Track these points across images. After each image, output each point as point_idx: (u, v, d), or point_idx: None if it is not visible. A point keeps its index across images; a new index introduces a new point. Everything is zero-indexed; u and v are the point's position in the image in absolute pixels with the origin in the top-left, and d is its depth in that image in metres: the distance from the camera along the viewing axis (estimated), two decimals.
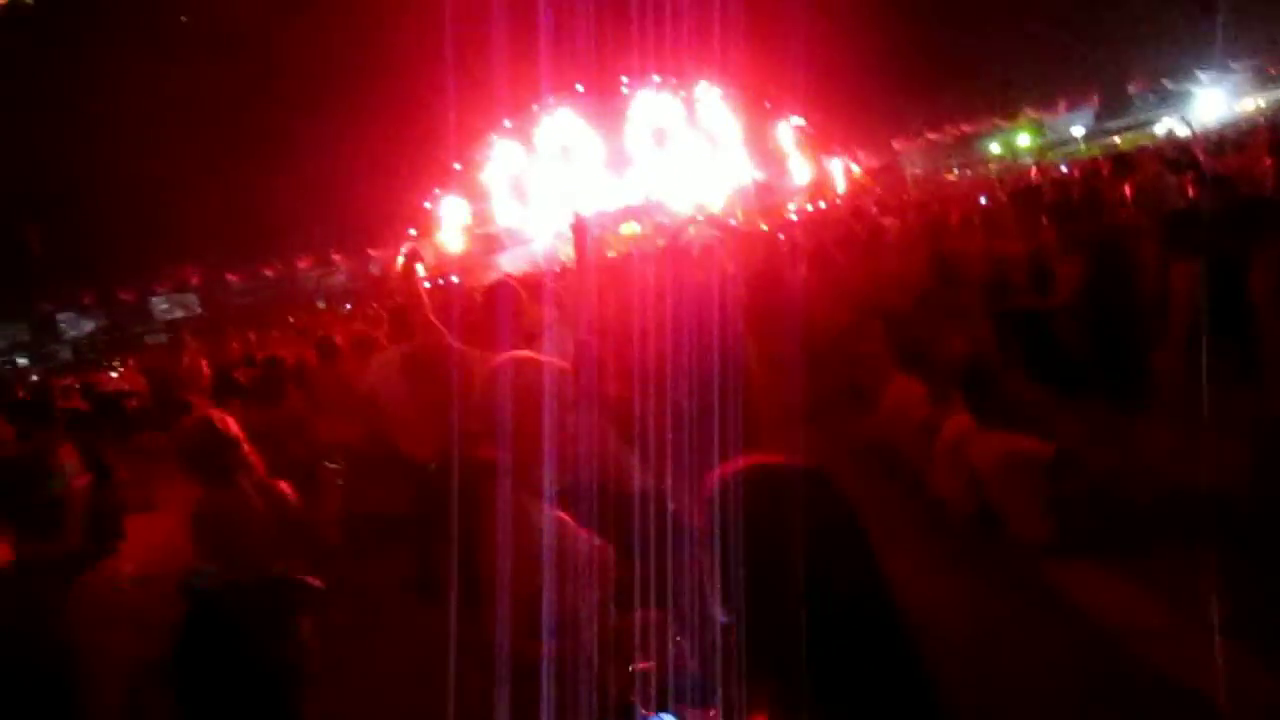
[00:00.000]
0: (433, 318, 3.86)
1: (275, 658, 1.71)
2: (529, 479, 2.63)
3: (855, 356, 6.38)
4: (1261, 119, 26.35)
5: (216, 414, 3.49)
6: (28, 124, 42.04)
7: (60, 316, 50.68)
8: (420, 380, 5.17)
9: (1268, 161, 5.53)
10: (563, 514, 2.73)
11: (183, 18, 48.78)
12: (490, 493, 2.61)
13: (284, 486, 3.53)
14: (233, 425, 3.37)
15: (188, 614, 1.81)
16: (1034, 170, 20.58)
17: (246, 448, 3.30)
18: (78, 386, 12.67)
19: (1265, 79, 43.08)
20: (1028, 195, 8.37)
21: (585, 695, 2.22)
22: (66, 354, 45.52)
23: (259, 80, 45.55)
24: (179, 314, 50.13)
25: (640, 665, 2.24)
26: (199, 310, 50.16)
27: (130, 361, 19.86)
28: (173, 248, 45.55)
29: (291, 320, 31.57)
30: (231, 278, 52.80)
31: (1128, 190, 5.11)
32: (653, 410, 4.70)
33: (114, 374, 16.55)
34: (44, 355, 46.26)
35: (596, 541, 2.68)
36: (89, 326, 50.37)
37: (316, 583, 1.87)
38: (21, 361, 46.09)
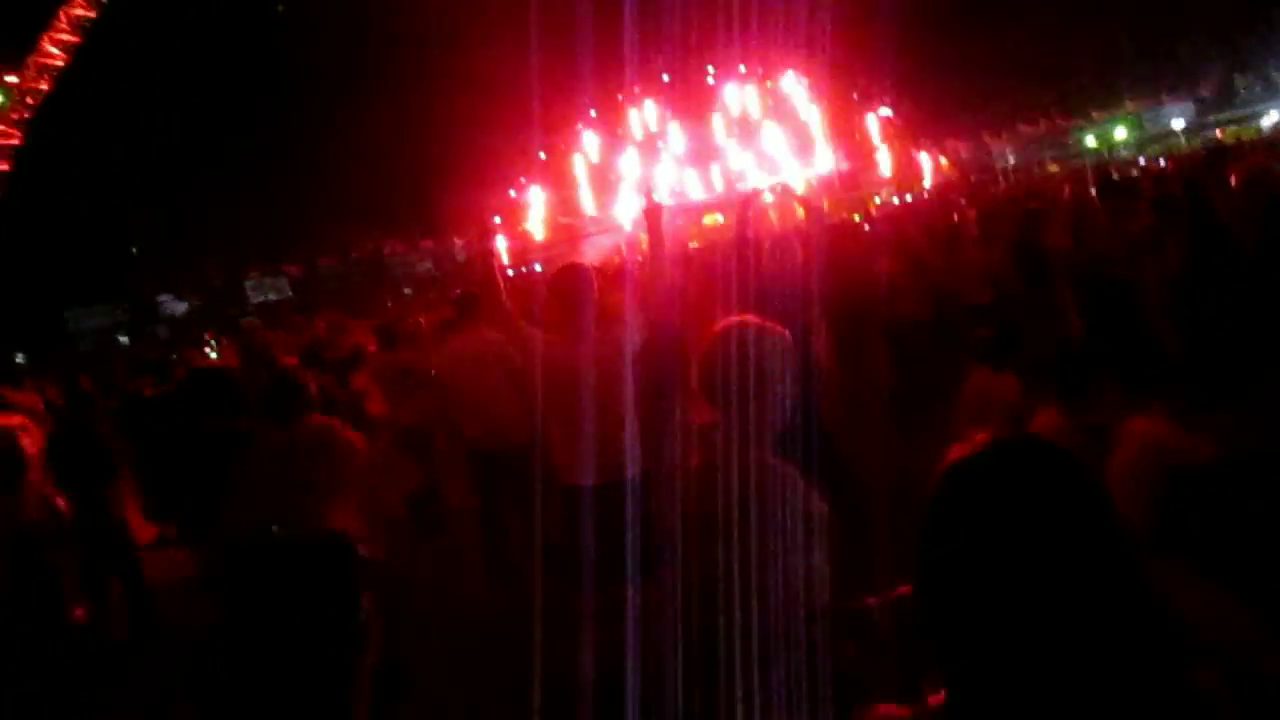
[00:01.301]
0: (506, 304, 3.87)
1: (330, 631, 1.68)
2: (758, 436, 2.60)
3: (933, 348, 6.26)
4: None
5: (16, 426, 3.75)
6: (127, 118, 43.52)
7: (159, 298, 52.38)
8: (488, 365, 5.22)
9: None
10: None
11: (280, 6, 49.89)
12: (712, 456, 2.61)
13: (60, 502, 3.86)
14: (29, 443, 3.63)
15: (229, 574, 1.79)
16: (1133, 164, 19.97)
17: (36, 466, 3.60)
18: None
19: None
20: (1120, 187, 8.08)
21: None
22: (164, 332, 46.99)
23: (355, 71, 46.40)
24: (271, 296, 51.45)
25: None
26: (290, 294, 51.37)
27: (223, 340, 20.42)
28: (266, 234, 46.71)
29: (390, 303, 32.20)
30: (324, 262, 53.96)
31: (1233, 180, 4.88)
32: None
33: (210, 352, 17.04)
34: (144, 334, 47.82)
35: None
36: (184, 308, 51.95)
37: (375, 553, 1.85)
38: (122, 339, 47.75)
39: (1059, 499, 1.07)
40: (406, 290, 45.49)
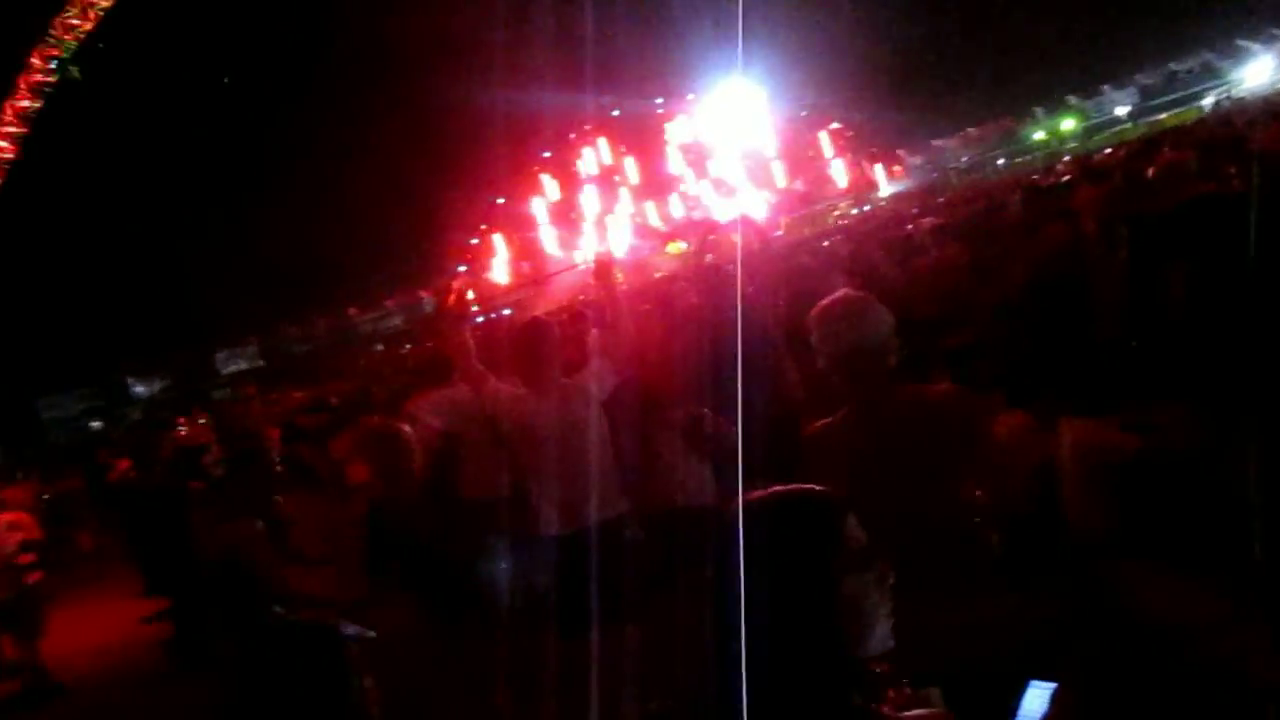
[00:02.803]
0: (475, 363, 3.94)
1: (324, 713, 1.74)
2: None
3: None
4: None
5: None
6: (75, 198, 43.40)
7: (129, 379, 51.98)
8: (460, 423, 5.26)
9: None
10: None
11: (226, 80, 49.97)
12: None
13: None
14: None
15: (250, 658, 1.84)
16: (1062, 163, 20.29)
17: None
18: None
19: None
20: (1044, 191, 8.22)
21: None
22: (136, 414, 46.58)
23: (302, 133, 46.48)
24: (242, 365, 51.16)
25: None
26: (260, 362, 51.13)
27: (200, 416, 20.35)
28: (230, 305, 46.51)
29: (362, 362, 32.12)
30: (289, 329, 53.78)
31: (1150, 173, 5.01)
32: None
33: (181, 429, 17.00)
34: (115, 417, 47.40)
35: None
36: (155, 387, 51.58)
37: (367, 632, 1.90)
38: (95, 424, 47.29)
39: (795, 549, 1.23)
40: (378, 346, 45.37)
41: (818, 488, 1.34)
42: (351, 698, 1.78)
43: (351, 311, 53.87)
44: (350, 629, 1.88)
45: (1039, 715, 1.41)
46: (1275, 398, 3.55)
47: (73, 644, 7.80)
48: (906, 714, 1.32)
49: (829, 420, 2.73)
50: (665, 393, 4.47)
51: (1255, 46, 40.53)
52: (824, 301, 2.69)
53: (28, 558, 7.44)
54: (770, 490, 1.32)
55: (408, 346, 37.01)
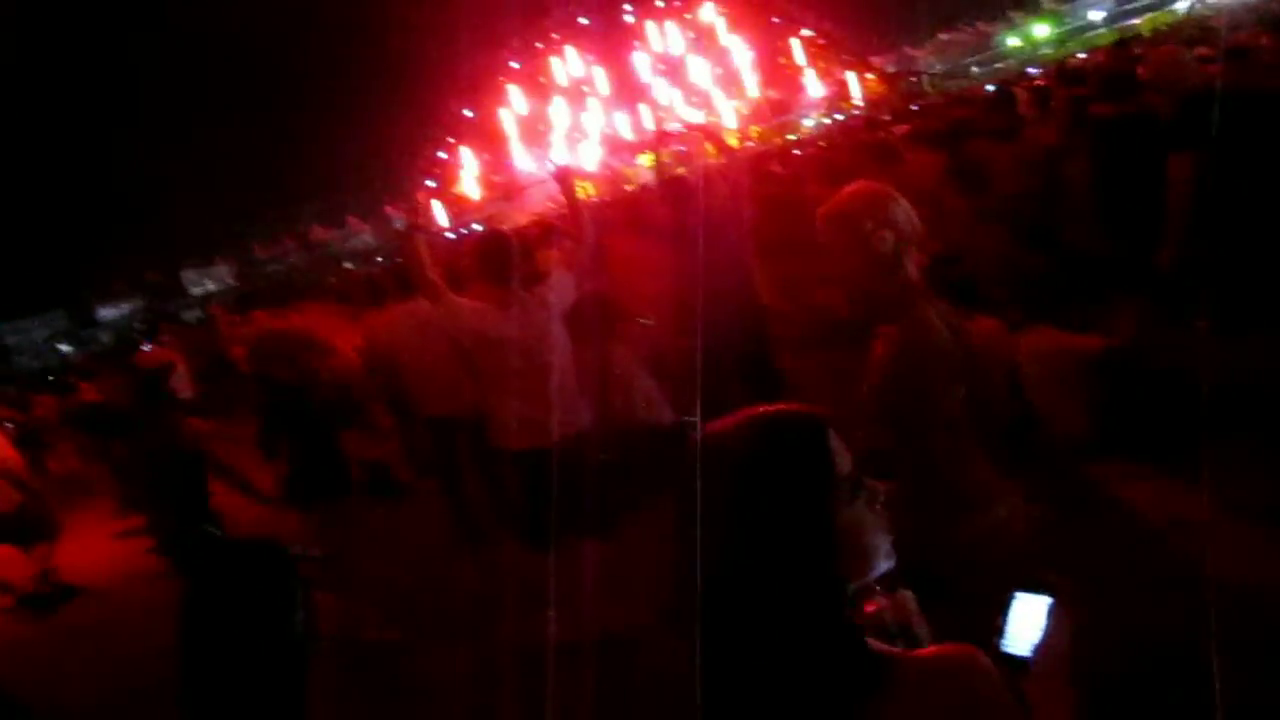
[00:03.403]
0: (432, 276, 3.85)
1: (269, 630, 1.69)
2: None
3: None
4: None
5: None
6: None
7: (96, 303, 51.37)
8: (431, 335, 5.20)
9: (1264, 39, 5.22)
10: None
11: None
12: None
13: None
14: None
15: (190, 575, 1.79)
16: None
17: None
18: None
19: None
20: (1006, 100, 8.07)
21: None
22: (106, 338, 46.13)
23: (267, 46, 45.35)
24: (211, 287, 50.62)
25: None
26: (230, 283, 50.58)
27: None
28: (199, 226, 45.88)
29: (333, 280, 31.74)
30: (260, 250, 53.14)
31: (1141, 73, 4.89)
32: (670, 346, 4.71)
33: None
34: (83, 340, 46.91)
35: None
36: (125, 309, 51.00)
37: (312, 551, 1.85)
38: (64, 349, 46.83)
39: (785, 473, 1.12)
40: (348, 265, 44.95)
41: (804, 407, 1.21)
42: (298, 614, 1.74)
43: (319, 230, 53.22)
44: (297, 547, 1.84)
45: (1038, 630, 1.34)
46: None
47: (69, 557, 7.89)
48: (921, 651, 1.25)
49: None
50: (625, 306, 4.42)
51: None
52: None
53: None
54: (755, 411, 1.20)
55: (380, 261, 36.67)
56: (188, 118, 45.24)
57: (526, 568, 4.18)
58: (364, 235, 52.61)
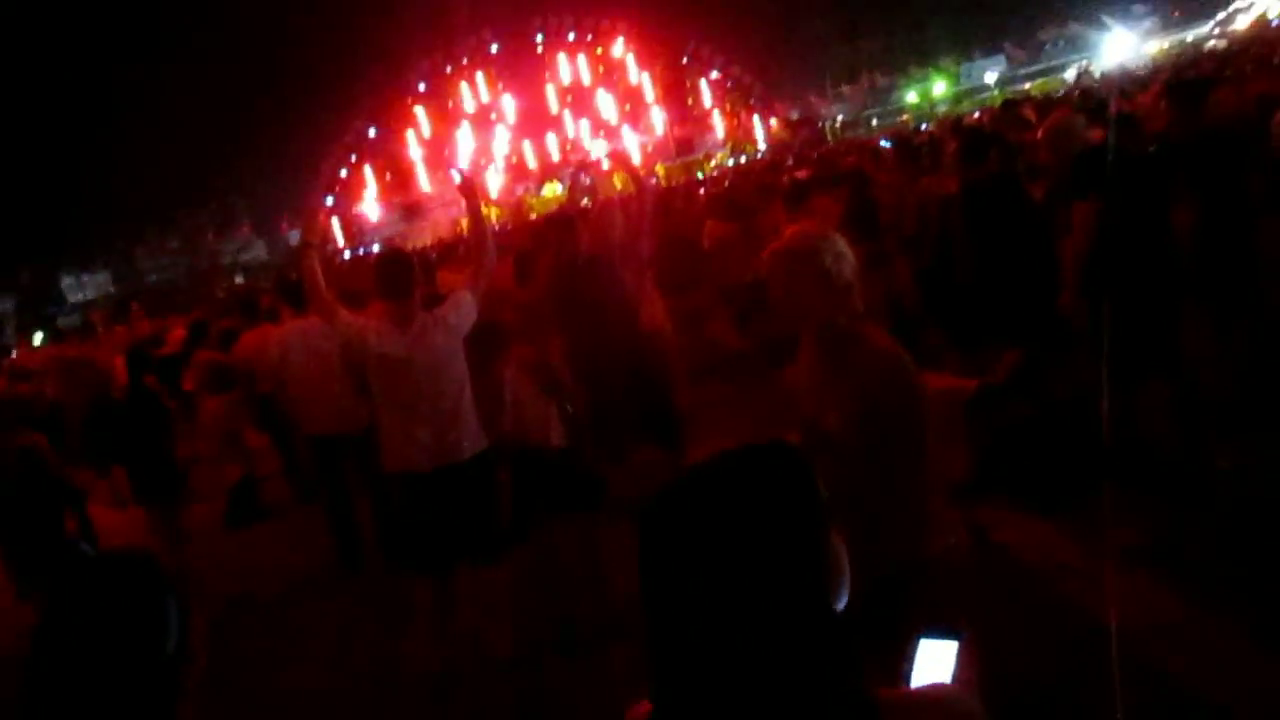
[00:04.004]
0: (325, 293, 3.75)
1: (139, 645, 1.59)
2: None
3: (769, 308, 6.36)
4: (1166, 60, 26.85)
5: None
6: None
7: None
8: (320, 352, 5.08)
9: (1162, 104, 5.60)
10: None
11: None
12: None
13: None
14: None
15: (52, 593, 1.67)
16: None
17: None
18: None
19: (1169, 21, 44.04)
20: (911, 147, 8.46)
21: None
22: None
23: (162, 49, 44.15)
24: (90, 294, 48.63)
25: None
26: (110, 289, 48.66)
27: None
28: (80, 228, 44.16)
29: (220, 294, 30.76)
30: (143, 254, 51.34)
31: (1040, 133, 5.15)
32: (568, 369, 4.69)
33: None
34: None
35: None
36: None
37: (176, 564, 1.77)
38: None
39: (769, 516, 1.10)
40: (239, 279, 43.73)
41: (785, 441, 1.18)
42: (171, 633, 1.64)
43: (210, 239, 51.72)
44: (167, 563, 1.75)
45: (946, 673, 1.31)
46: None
47: None
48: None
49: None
50: (520, 331, 4.38)
51: (1114, 21, 42.23)
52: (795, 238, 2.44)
53: None
54: (741, 446, 1.16)
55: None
56: (78, 116, 43.60)
57: (408, 589, 4.09)
58: (257, 248, 51.36)
